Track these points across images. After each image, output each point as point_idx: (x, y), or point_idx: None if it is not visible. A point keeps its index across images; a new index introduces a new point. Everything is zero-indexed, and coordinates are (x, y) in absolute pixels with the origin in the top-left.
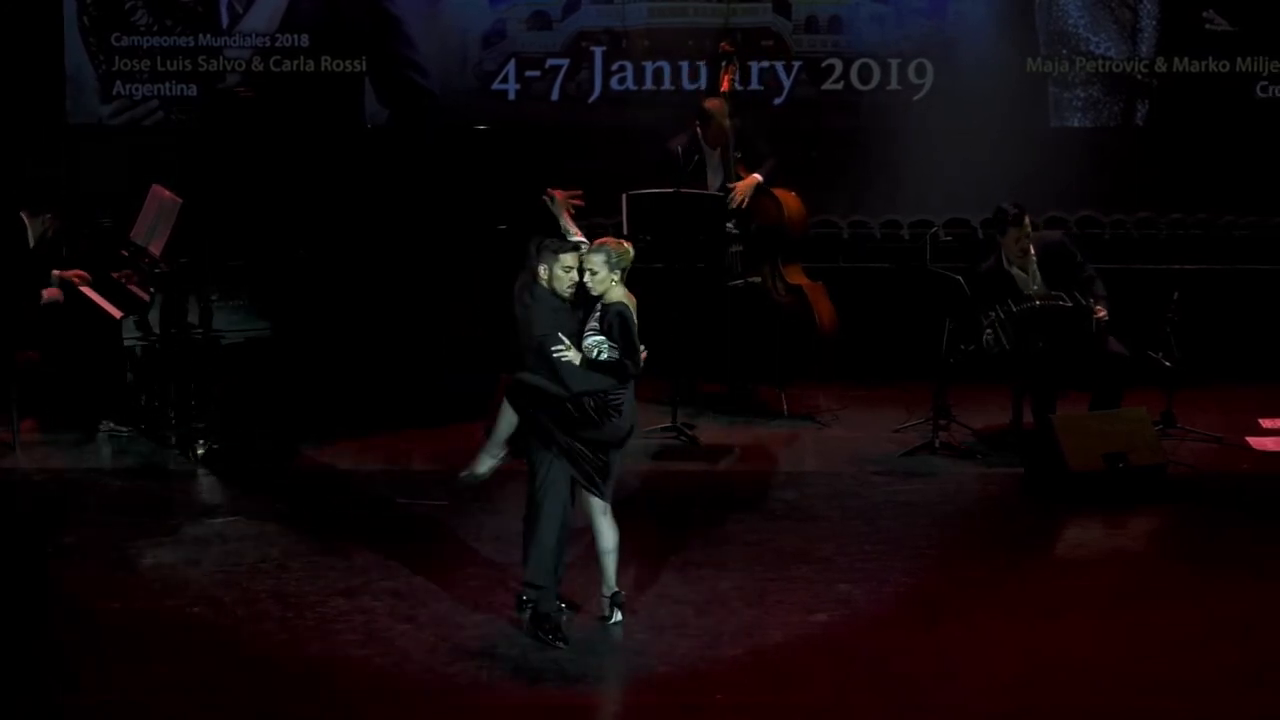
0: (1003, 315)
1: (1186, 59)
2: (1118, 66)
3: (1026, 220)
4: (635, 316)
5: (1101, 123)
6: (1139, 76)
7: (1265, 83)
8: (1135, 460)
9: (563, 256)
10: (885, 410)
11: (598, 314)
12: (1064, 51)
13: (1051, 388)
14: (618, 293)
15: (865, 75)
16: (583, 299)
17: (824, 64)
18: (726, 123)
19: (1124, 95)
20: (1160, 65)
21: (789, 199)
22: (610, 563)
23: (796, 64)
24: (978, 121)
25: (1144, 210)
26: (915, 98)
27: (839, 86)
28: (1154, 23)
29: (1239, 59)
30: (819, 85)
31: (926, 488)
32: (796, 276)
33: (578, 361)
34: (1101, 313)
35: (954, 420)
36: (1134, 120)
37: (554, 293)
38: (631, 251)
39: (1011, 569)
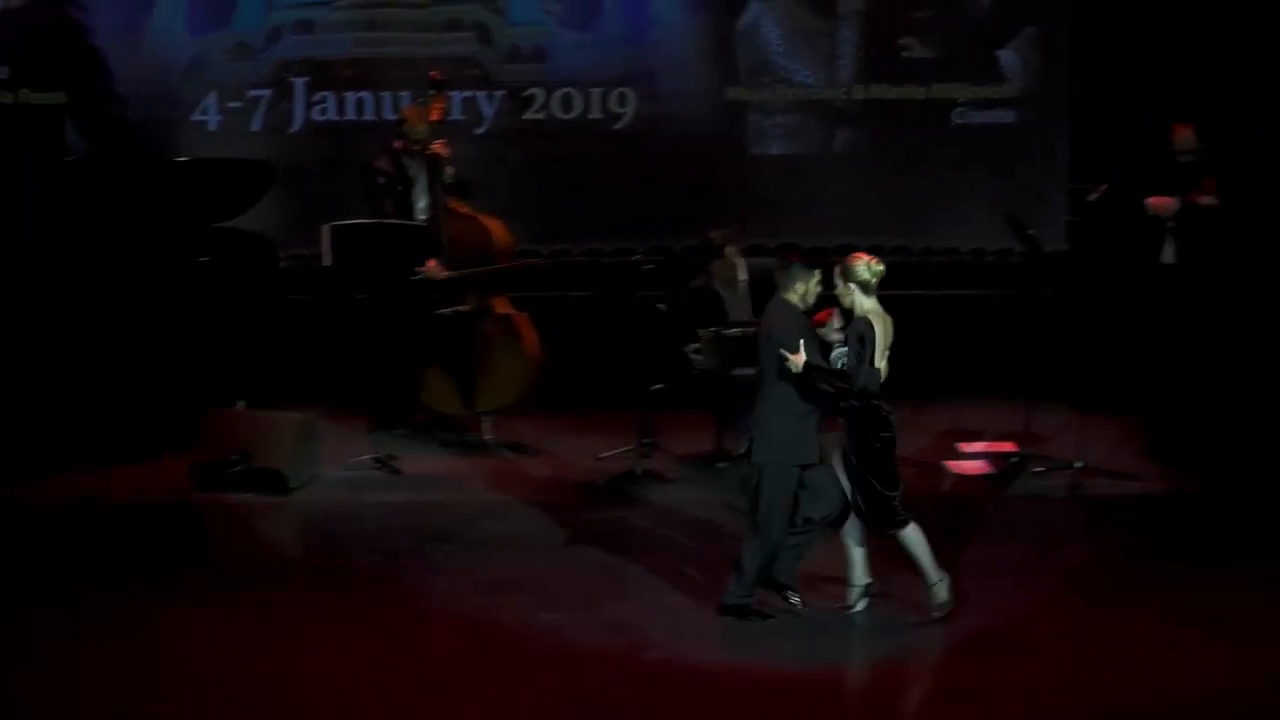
0: (711, 335)
1: (885, 86)
2: (817, 94)
3: (729, 250)
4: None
5: (802, 150)
6: (838, 104)
7: (962, 109)
8: None
9: (817, 273)
10: (590, 437)
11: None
12: (764, 80)
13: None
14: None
15: (567, 104)
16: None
17: (526, 93)
18: (423, 127)
19: (824, 122)
20: (859, 92)
21: (496, 227)
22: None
23: (499, 93)
24: (679, 149)
25: (844, 237)
26: (616, 126)
27: (541, 116)
28: (852, 50)
29: (936, 85)
30: (521, 114)
31: (632, 514)
32: (504, 306)
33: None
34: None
35: (658, 447)
36: (833, 147)
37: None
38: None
39: (715, 593)
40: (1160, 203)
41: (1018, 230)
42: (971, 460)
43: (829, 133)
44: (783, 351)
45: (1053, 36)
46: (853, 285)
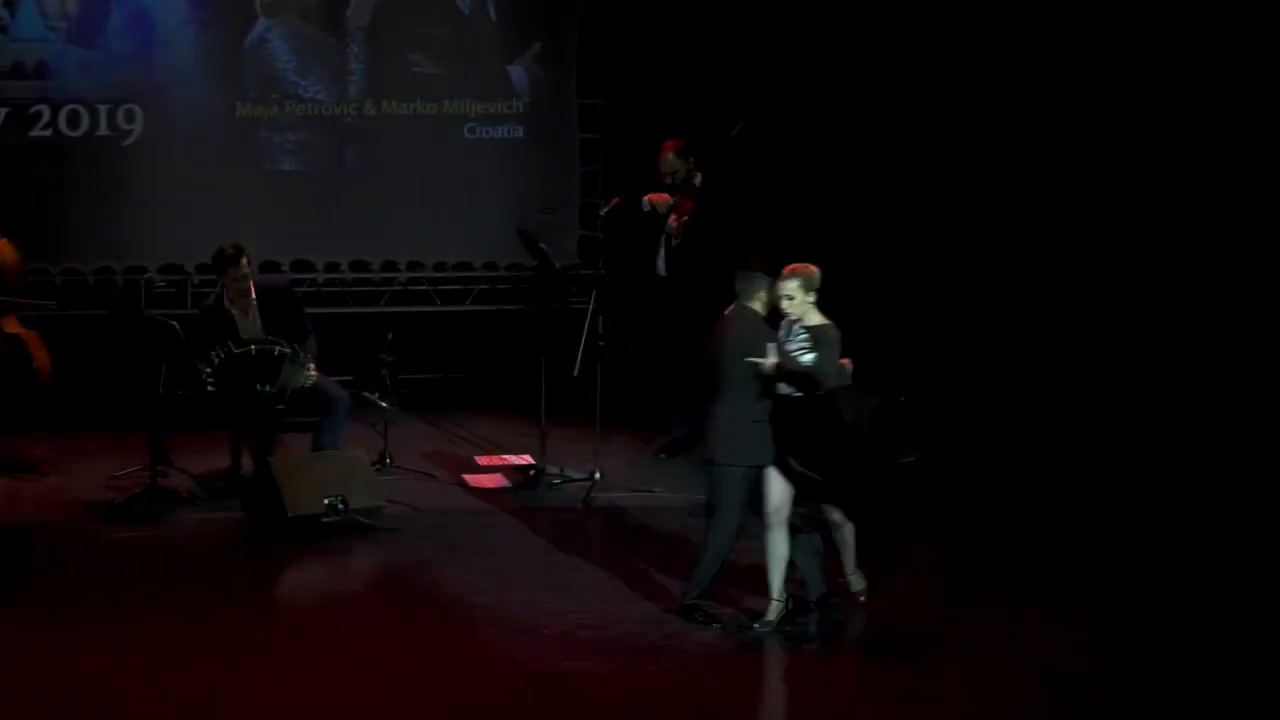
0: (223, 355)
1: (396, 101)
2: (328, 110)
3: (244, 260)
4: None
5: (314, 166)
6: (348, 120)
7: (473, 124)
8: (354, 501)
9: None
10: (104, 457)
11: (803, 335)
12: (274, 96)
13: (269, 431)
14: (815, 316)
15: (74, 121)
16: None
17: (31, 110)
18: None
19: (335, 138)
20: (370, 108)
21: (3, 247)
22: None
23: (3, 110)
24: (191, 167)
25: (359, 253)
26: (125, 143)
27: (48, 133)
28: (362, 66)
29: (446, 101)
30: (27, 132)
31: (147, 535)
32: (13, 325)
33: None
34: (311, 371)
35: (173, 466)
36: (346, 163)
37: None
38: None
39: (232, 614)
40: (659, 199)
41: (530, 245)
42: (489, 474)
43: (340, 149)
44: (753, 360)
45: (560, 53)
46: (812, 296)
